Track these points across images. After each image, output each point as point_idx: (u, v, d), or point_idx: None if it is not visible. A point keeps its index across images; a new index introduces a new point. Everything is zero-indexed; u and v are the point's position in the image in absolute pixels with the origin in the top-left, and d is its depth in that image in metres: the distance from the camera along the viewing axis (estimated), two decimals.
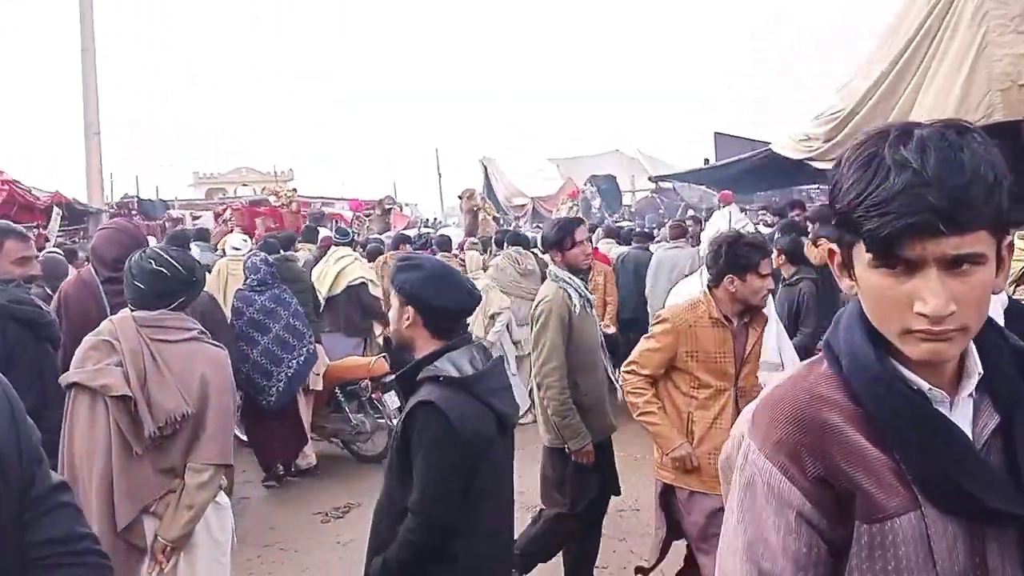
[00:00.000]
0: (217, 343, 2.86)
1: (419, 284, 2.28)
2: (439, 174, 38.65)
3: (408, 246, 8.00)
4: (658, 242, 9.25)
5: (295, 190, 18.26)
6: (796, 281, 5.35)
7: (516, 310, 7.78)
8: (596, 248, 8.21)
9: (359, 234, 14.24)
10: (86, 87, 14.95)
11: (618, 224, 11.57)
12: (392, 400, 6.19)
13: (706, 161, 13.57)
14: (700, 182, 12.99)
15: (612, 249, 9.37)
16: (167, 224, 18.49)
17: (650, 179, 12.21)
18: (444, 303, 2.28)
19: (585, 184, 17.50)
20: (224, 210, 15.39)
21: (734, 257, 3.18)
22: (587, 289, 4.01)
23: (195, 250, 7.70)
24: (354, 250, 8.24)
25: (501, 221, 22.42)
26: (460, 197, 12.31)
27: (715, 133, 13.65)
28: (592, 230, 10.85)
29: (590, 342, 3.89)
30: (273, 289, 5.79)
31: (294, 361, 5.66)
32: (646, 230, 10.72)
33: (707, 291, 3.30)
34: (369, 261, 8.24)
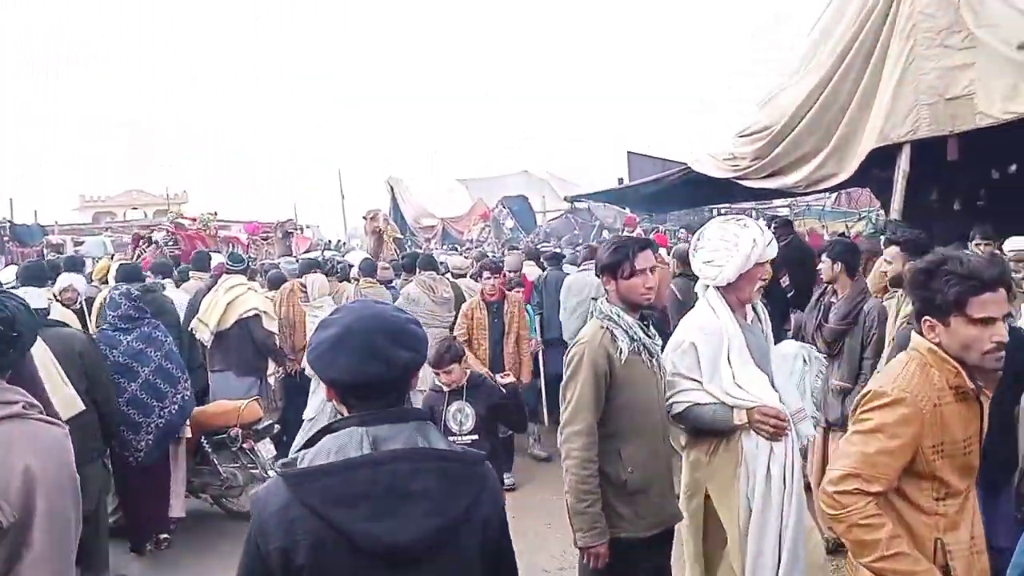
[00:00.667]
0: (53, 420, 2.06)
1: (314, 352, 1.73)
2: (342, 195, 37.52)
3: (318, 271, 7.22)
4: (570, 263, 8.90)
5: (215, 213, 17.01)
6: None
7: (430, 340, 7.14)
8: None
9: (256, 260, 13.27)
10: None
11: (538, 245, 11.07)
12: (267, 449, 5.48)
13: (620, 181, 13.25)
14: (614, 202, 12.67)
15: (534, 271, 8.93)
16: (45, 251, 16.97)
17: (565, 199, 11.81)
18: (334, 375, 1.70)
19: (496, 205, 17.00)
20: (147, 233, 13.76)
21: (934, 291, 2.19)
22: (647, 331, 3.08)
23: (64, 281, 6.69)
24: (251, 279, 7.44)
25: (406, 244, 21.75)
26: (364, 218, 11.58)
27: (628, 152, 13.37)
28: (509, 250, 10.33)
29: (643, 400, 3.02)
30: (142, 327, 4.98)
31: (166, 410, 4.85)
32: (557, 251, 10.29)
33: (933, 347, 2.22)
34: (271, 289, 7.45)
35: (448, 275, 7.86)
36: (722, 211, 15.61)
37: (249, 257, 14.87)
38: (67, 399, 4.23)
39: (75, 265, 7.69)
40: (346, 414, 1.72)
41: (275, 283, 7.46)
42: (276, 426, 5.82)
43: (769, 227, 8.85)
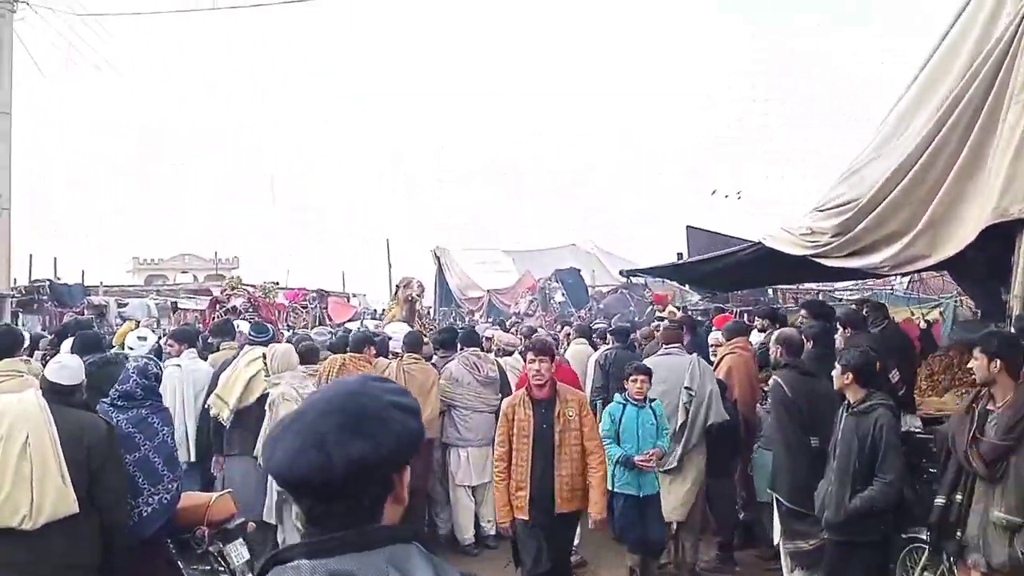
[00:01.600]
0: None
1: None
2: (389, 264, 37.48)
3: (371, 348, 6.53)
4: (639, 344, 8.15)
5: (277, 283, 16.71)
6: (869, 409, 4.09)
7: (474, 426, 6.38)
8: (562, 361, 6.87)
9: (294, 327, 12.76)
10: None
11: (591, 323, 10.31)
12: (239, 552, 4.67)
13: (679, 256, 12.51)
14: (672, 278, 11.93)
15: (585, 350, 8.19)
16: (86, 312, 16.73)
17: (621, 273, 11.12)
18: (271, 468, 1.37)
19: (549, 278, 16.33)
20: (227, 296, 13.25)
21: None
22: None
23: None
24: None
25: (451, 316, 21.16)
26: (397, 285, 10.96)
27: (687, 227, 12.67)
28: (561, 326, 9.60)
29: None
30: (140, 408, 4.33)
31: (135, 511, 4.15)
32: (625, 325, 9.54)
33: None
34: (303, 363, 6.73)
35: (492, 353, 7.12)
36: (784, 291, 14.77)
37: (288, 326, 14.59)
38: (60, 496, 3.65)
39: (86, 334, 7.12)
40: None
41: (306, 357, 6.72)
42: (251, 524, 5.01)
43: (861, 310, 8.05)
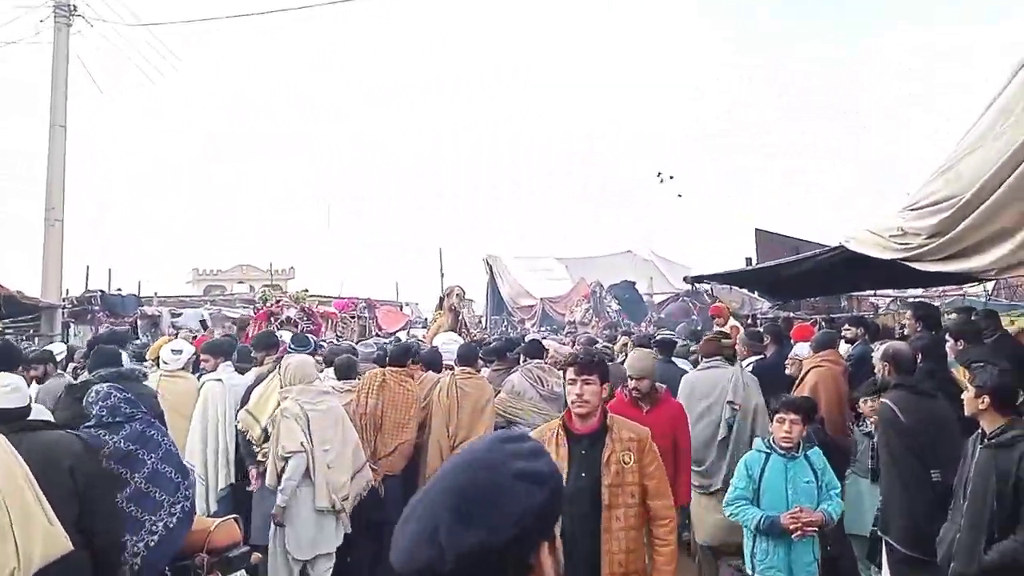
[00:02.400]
0: None
1: None
2: (441, 273, 37.25)
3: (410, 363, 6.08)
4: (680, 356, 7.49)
5: (306, 290, 16.44)
6: (1011, 441, 3.38)
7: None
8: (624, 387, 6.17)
9: (341, 338, 12.36)
10: (52, 169, 13.40)
11: (655, 333, 9.62)
12: None
13: (748, 261, 11.78)
14: (742, 285, 11.20)
15: None
16: (139, 323, 16.65)
17: (685, 279, 10.44)
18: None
19: (603, 294, 15.63)
20: (277, 309, 12.87)
21: None
22: None
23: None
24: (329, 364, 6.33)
25: (503, 324, 20.62)
26: (441, 296, 10.49)
27: (756, 230, 11.94)
28: (612, 338, 8.93)
29: None
30: (134, 422, 3.88)
31: (160, 523, 3.71)
32: (670, 337, 8.84)
33: None
34: (340, 378, 6.19)
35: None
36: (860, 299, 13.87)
37: (337, 336, 14.24)
38: (48, 537, 3.17)
39: (117, 339, 6.76)
40: None
41: (342, 370, 6.22)
42: (255, 554, 4.53)
43: (969, 318, 7.26)
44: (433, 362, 6.34)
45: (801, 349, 6.36)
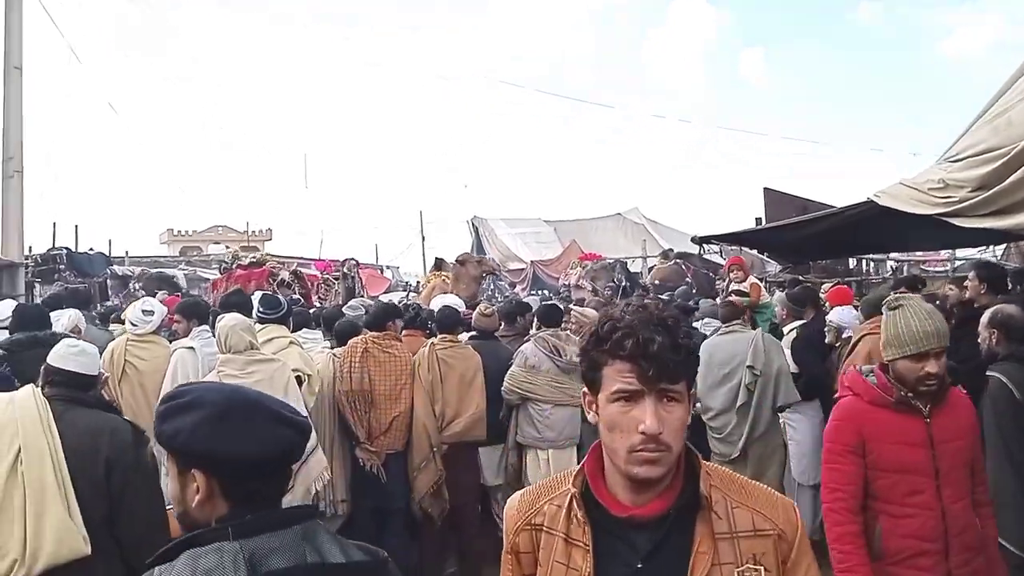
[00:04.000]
0: None
1: (193, 431, 1.44)
2: (422, 236, 36.61)
3: (398, 322, 5.44)
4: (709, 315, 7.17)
5: (263, 252, 15.57)
6: None
7: (554, 423, 5.23)
8: None
9: (325, 302, 11.62)
10: (8, 116, 12.43)
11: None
12: None
13: (758, 221, 11.18)
14: (751, 245, 10.61)
15: None
16: (109, 283, 15.83)
17: (693, 240, 9.83)
18: (232, 449, 1.43)
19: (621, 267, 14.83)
20: (276, 268, 11.94)
21: None
22: None
23: (66, 320, 5.07)
24: (303, 327, 5.68)
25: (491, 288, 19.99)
26: (459, 262, 9.78)
27: (764, 189, 11.34)
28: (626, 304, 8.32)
29: None
30: None
31: None
32: (686, 304, 8.30)
33: None
34: (340, 344, 5.61)
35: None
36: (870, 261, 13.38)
37: (319, 299, 13.52)
38: (63, 533, 2.66)
39: (80, 299, 6.05)
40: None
41: (344, 336, 5.60)
42: None
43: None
44: (448, 321, 5.67)
45: (840, 314, 5.77)
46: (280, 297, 5.71)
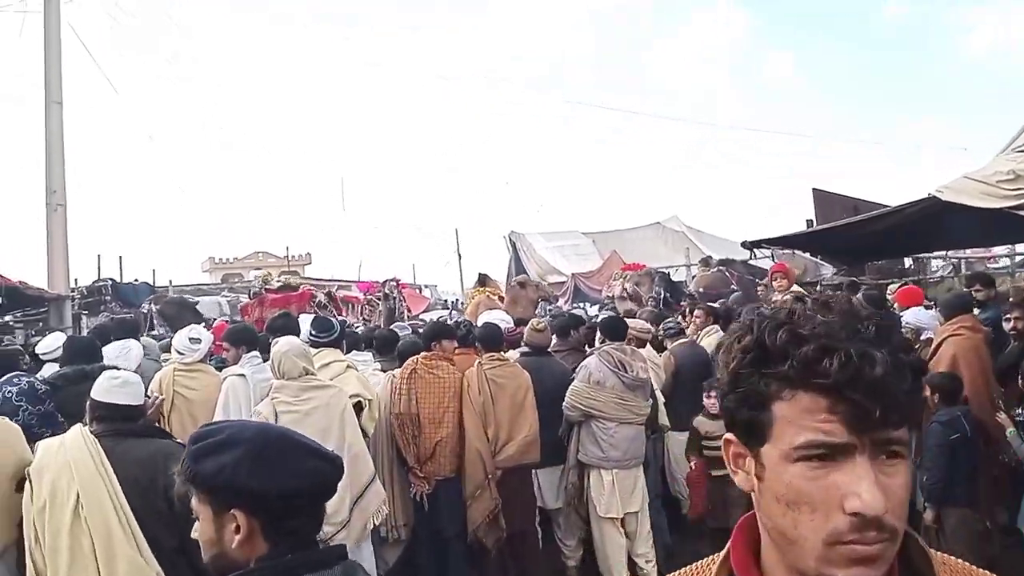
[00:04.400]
0: None
1: (236, 467, 1.42)
2: (459, 254, 36.64)
3: (447, 342, 5.26)
4: None
5: (295, 272, 15.61)
6: None
7: (619, 441, 4.98)
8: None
9: (370, 322, 11.51)
10: (50, 150, 12.60)
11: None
12: None
13: (809, 224, 10.85)
14: (805, 248, 10.28)
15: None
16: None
17: (743, 244, 9.53)
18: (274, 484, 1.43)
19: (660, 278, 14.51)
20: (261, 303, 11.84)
21: None
22: None
23: (114, 352, 4.97)
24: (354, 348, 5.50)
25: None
26: (519, 284, 9.74)
27: (813, 190, 11.03)
28: (689, 310, 8.03)
29: None
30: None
31: None
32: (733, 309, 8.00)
33: None
34: (401, 364, 5.37)
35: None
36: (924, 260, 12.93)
37: (364, 320, 13.43)
38: (133, 571, 2.62)
39: (128, 329, 5.96)
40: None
41: (405, 357, 5.34)
42: None
43: None
44: (491, 339, 5.44)
45: (915, 315, 5.46)
46: (332, 320, 5.55)
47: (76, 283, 13.77)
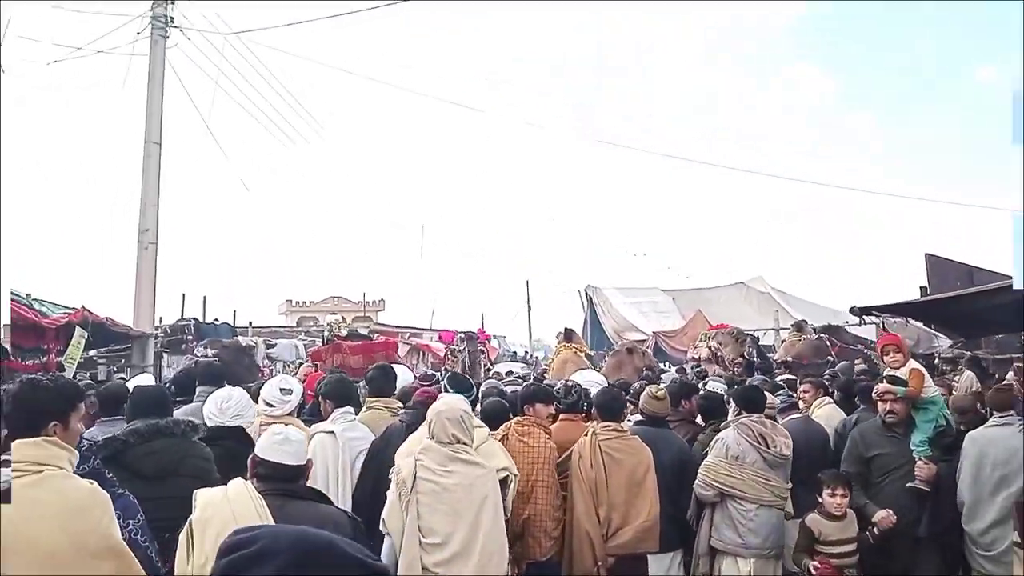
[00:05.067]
0: None
1: None
2: (528, 306, 36.56)
3: (541, 406, 4.81)
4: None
5: (343, 319, 15.55)
6: None
7: (758, 526, 4.44)
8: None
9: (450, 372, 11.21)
10: (146, 189, 12.84)
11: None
12: None
13: (922, 291, 10.17)
14: (918, 317, 9.58)
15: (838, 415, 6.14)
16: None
17: (852, 311, 8.91)
18: None
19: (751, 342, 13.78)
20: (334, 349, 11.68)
21: None
22: None
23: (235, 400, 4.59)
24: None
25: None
26: (628, 350, 9.52)
27: (926, 255, 10.36)
28: (800, 379, 7.44)
29: None
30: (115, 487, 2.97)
31: None
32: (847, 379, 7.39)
33: None
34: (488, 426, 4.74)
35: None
36: None
37: (445, 369, 13.13)
38: None
39: (214, 375, 5.70)
40: None
41: (493, 418, 4.80)
42: None
43: None
44: (610, 407, 4.88)
45: None
46: (470, 379, 5.19)
47: (160, 321, 13.89)
